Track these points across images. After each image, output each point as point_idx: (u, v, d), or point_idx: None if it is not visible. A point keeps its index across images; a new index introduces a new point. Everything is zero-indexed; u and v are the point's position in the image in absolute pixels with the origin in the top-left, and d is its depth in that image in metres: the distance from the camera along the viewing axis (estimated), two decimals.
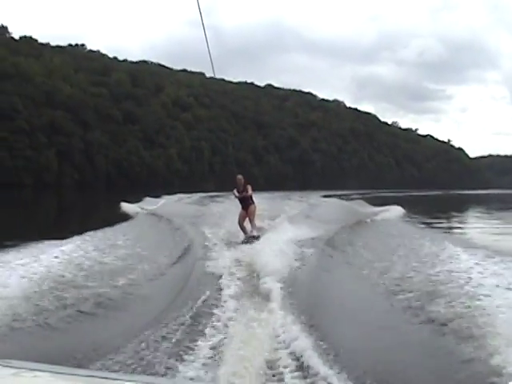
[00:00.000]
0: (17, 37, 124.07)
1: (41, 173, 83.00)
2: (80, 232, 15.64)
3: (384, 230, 19.89)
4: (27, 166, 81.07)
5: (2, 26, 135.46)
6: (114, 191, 75.99)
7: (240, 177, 16.56)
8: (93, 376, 2.06)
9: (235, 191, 16.37)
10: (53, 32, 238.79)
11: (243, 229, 15.84)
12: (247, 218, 16.03)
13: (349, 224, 20.61)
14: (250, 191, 16.15)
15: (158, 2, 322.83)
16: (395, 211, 29.05)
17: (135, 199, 35.06)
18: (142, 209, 29.42)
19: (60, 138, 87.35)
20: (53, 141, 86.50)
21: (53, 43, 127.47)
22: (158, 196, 42.80)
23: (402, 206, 32.75)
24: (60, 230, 19.72)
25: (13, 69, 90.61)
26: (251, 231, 15.44)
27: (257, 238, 14.41)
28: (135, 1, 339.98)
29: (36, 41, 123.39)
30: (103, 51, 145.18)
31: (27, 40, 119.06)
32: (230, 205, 22.40)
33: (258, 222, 16.62)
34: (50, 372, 2.01)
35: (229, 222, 17.71)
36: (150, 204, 33.58)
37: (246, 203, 16.12)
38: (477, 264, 10.58)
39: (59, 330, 6.71)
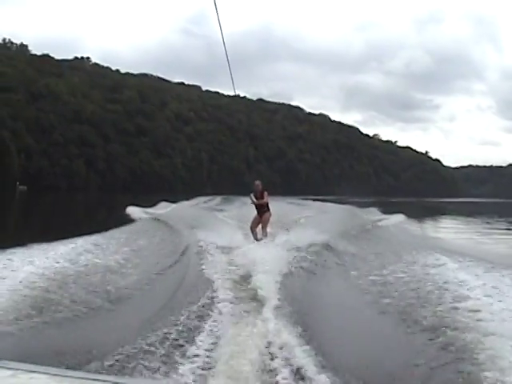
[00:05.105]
0: (33, 52, 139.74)
1: (72, 178, 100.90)
2: (90, 232, 15.45)
3: (383, 235, 19.65)
4: (62, 172, 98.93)
5: (22, 44, 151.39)
6: (130, 195, 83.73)
7: (258, 183, 16.09)
8: (88, 378, 2.06)
9: (252, 196, 15.94)
10: (45, 35, 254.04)
11: (254, 234, 15.47)
12: (260, 225, 15.73)
13: (355, 228, 20.75)
14: (266, 198, 15.82)
15: (152, 10, 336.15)
16: (397, 218, 29.07)
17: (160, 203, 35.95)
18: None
19: (87, 149, 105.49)
20: (82, 151, 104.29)
21: (53, 54, 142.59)
22: (174, 201, 42.49)
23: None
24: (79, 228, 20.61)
25: (45, 89, 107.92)
26: (262, 238, 15.01)
27: (265, 242, 14.11)
28: (129, 8, 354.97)
29: (53, 58, 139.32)
30: (98, 59, 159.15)
31: (45, 58, 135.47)
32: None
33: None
34: (47, 374, 2.03)
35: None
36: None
37: (262, 210, 15.78)
38: (461, 269, 10.47)
39: (55, 332, 6.78)
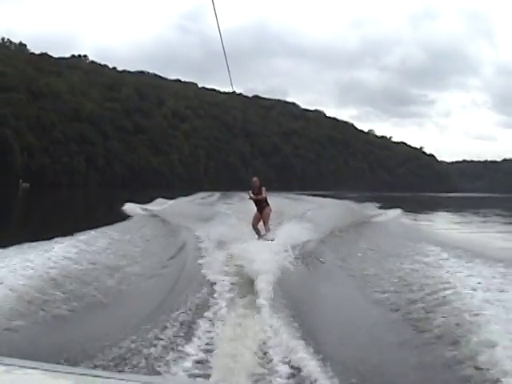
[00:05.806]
0: (31, 51, 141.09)
1: (73, 175, 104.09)
2: (87, 229, 15.43)
3: (380, 230, 19.68)
4: (63, 169, 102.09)
5: (21, 43, 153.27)
6: (128, 191, 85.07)
7: (255, 179, 16.10)
8: (84, 374, 2.05)
9: (250, 193, 15.91)
10: (40, 32, 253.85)
11: (257, 231, 15.47)
12: (261, 221, 15.74)
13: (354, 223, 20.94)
14: (264, 194, 15.81)
15: (146, 7, 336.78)
16: (395, 212, 29.65)
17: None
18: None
19: (87, 146, 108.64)
20: (82, 149, 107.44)
21: (49, 51, 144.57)
22: (172, 197, 42.48)
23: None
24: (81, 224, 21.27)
25: (46, 88, 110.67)
26: (265, 234, 15.04)
27: (272, 240, 13.86)
28: (123, 5, 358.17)
29: (51, 57, 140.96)
30: (94, 56, 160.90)
31: (44, 57, 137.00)
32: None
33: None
34: (41, 369, 2.01)
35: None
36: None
37: (261, 205, 15.75)
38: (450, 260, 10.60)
39: (51, 328, 6.80)
